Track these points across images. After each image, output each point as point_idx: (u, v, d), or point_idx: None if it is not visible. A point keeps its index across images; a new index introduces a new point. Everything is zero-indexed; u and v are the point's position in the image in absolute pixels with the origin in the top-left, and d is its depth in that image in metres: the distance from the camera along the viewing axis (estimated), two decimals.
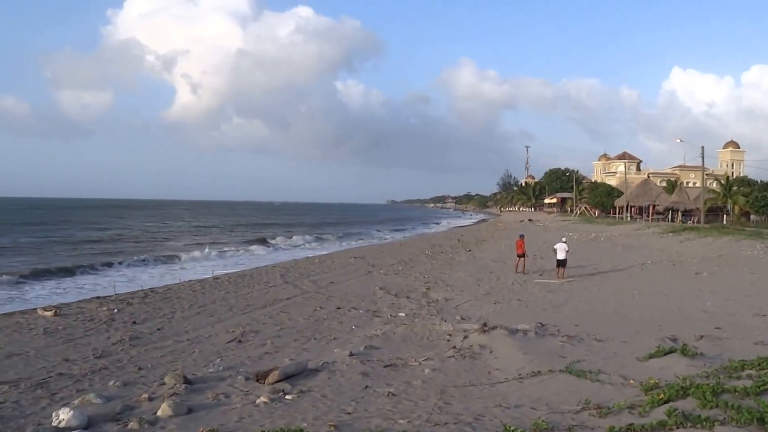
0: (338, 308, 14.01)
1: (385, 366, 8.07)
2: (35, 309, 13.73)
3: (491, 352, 8.72)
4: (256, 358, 9.26)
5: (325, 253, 32.74)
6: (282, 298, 15.62)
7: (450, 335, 10.17)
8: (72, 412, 6.02)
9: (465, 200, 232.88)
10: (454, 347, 9.10)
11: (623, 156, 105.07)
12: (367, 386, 7.06)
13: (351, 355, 8.71)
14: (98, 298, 15.26)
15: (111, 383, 7.72)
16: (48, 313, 12.87)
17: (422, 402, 6.33)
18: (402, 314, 13.09)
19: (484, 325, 10.25)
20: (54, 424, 5.89)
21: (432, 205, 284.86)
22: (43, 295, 17.75)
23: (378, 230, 63.69)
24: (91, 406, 6.55)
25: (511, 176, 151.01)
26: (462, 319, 12.49)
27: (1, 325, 11.99)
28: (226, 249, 35.91)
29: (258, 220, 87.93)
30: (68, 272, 23.07)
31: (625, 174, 79.50)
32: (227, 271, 22.58)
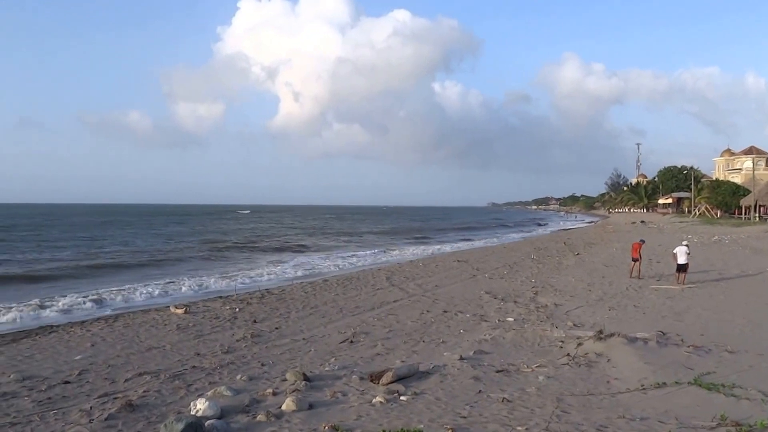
0: (445, 312, 14.08)
1: (497, 371, 8.04)
2: (168, 307, 15.09)
3: (608, 360, 8.45)
4: (368, 358, 9.52)
5: (428, 256, 32.95)
6: (389, 300, 15.92)
7: (562, 342, 9.93)
8: (207, 402, 6.51)
9: (570, 202, 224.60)
10: (568, 354, 8.90)
11: (750, 151, 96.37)
12: (480, 391, 7.08)
13: (461, 359, 8.76)
14: (221, 297, 16.43)
15: (238, 377, 8.25)
16: (179, 311, 14.04)
17: (539, 410, 6.27)
18: (510, 319, 12.94)
19: (600, 332, 9.91)
20: (192, 412, 6.38)
21: (534, 207, 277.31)
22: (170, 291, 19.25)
23: (479, 233, 63.04)
24: (222, 398, 7.03)
25: (620, 176, 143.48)
26: (574, 325, 12.14)
27: (141, 321, 13.34)
28: (332, 251, 37.00)
29: (362, 223, 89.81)
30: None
31: (753, 170, 73.31)
32: (335, 274, 23.34)
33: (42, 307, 15.89)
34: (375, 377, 7.57)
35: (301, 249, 38.24)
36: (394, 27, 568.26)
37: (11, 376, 8.74)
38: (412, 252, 38.09)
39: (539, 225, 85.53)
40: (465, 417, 6.08)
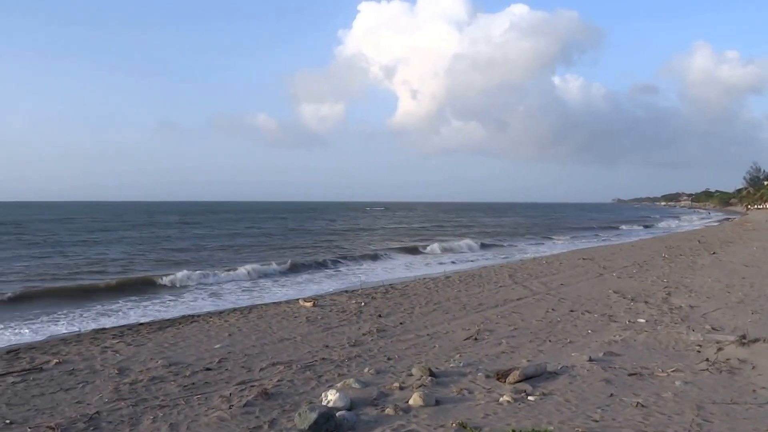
0: (571, 311, 13.67)
1: (629, 374, 7.73)
2: (297, 300, 15.93)
3: (754, 368, 7.84)
4: (493, 356, 9.48)
5: (551, 253, 32.08)
6: (513, 298, 15.71)
7: (700, 346, 9.34)
8: (338, 394, 6.82)
9: (703, 197, 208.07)
10: (707, 359, 8.36)
11: None
12: (611, 394, 6.86)
13: (590, 360, 8.51)
14: (347, 291, 17.08)
15: (366, 370, 8.55)
16: (308, 304, 14.78)
17: (677, 417, 5.97)
18: (641, 320, 12.32)
19: (743, 336, 9.21)
20: (323, 403, 6.70)
21: (663, 203, 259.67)
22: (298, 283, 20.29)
23: (605, 230, 60.22)
24: (351, 390, 7.32)
25: (759, 169, 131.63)
26: (712, 328, 11.33)
27: (273, 313, 14.16)
28: (454, 247, 37.05)
29: (482, 220, 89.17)
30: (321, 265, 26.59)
31: None
32: (457, 269, 23.40)
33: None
34: (501, 376, 7.55)
35: (423, 244, 38.59)
36: (511, 21, 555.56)
37: (159, 362, 9.51)
38: (534, 249, 37.27)
39: (668, 222, 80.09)
40: (597, 421, 5.93)
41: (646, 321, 12.21)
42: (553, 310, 13.85)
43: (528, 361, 8.77)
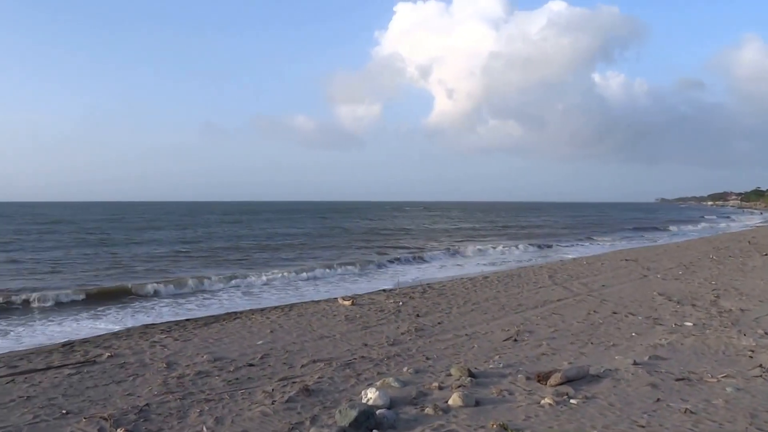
0: (614, 313, 13.37)
1: (677, 379, 7.51)
2: (336, 298, 16.04)
3: None
4: (534, 358, 9.35)
5: (592, 254, 31.49)
6: (553, 299, 15.47)
7: (752, 351, 9.02)
8: (378, 392, 6.83)
9: (753, 197, 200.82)
10: (761, 366, 8.06)
11: None
12: (658, 399, 6.68)
13: (635, 363, 8.30)
14: (384, 290, 17.11)
15: (405, 369, 8.54)
16: (346, 302, 14.87)
17: (728, 424, 5.77)
18: (689, 324, 11.96)
19: None
20: (363, 400, 6.73)
21: (710, 202, 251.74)
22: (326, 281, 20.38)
23: (648, 231, 58.78)
24: (390, 389, 7.33)
25: None
26: (765, 333, 10.95)
27: (313, 311, 14.30)
28: (490, 248, 36.71)
29: (520, 219, 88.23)
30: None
31: None
32: (495, 270, 23.18)
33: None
34: (542, 378, 7.44)
35: (461, 244, 38.41)
36: (549, 18, 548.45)
37: (204, 357, 9.76)
38: (574, 249, 36.64)
39: (718, 222, 77.69)
40: (643, 426, 5.78)
41: (694, 324, 11.86)
42: (594, 311, 13.58)
43: (569, 363, 8.61)
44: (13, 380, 8.60)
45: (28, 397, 7.72)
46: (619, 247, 37.97)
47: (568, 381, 7.32)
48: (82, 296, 17.48)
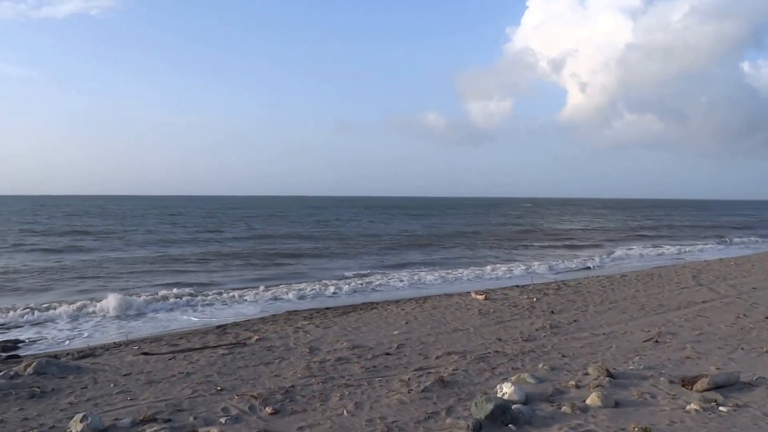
0: (767, 318, 12.37)
1: None
2: (469, 292, 16.27)
3: None
4: (677, 361, 8.96)
5: (741, 254, 29.03)
6: (697, 301, 14.57)
7: None
8: (513, 387, 6.92)
9: None
10: None
11: None
12: None
13: None
14: (518, 286, 17.06)
15: (540, 366, 8.54)
16: (480, 297, 15.03)
17: None
18: None
19: None
20: (499, 395, 6.85)
21: None
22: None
23: None
24: (525, 384, 7.39)
25: None
26: None
27: (446, 304, 14.64)
28: (631, 248, 34.99)
29: (658, 217, 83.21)
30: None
31: None
32: (633, 269, 22.19)
33: None
34: (687, 382, 7.17)
35: (600, 242, 36.99)
36: (691, 5, 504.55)
37: (344, 344, 10.36)
38: (719, 249, 33.99)
39: None
40: None
41: None
42: (744, 315, 12.63)
43: (717, 368, 8.18)
44: (174, 357, 9.70)
45: (187, 373, 8.64)
46: None
47: (716, 387, 7.00)
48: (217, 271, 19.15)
